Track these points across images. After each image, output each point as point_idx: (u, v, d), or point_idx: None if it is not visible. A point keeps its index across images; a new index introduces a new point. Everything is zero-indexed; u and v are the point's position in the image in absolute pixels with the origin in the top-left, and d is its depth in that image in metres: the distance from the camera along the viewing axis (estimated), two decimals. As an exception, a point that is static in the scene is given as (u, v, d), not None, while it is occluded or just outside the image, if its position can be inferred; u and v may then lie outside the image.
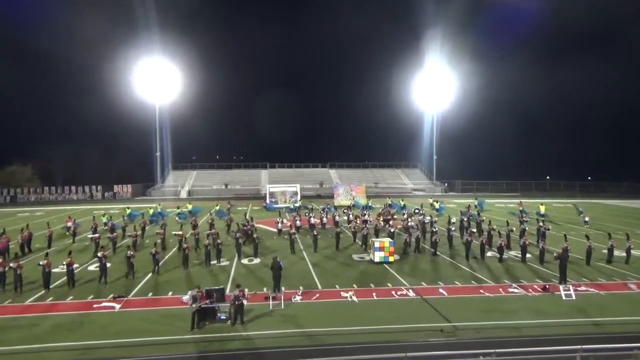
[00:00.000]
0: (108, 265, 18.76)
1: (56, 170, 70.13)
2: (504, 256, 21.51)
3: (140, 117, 65.66)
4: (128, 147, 72.31)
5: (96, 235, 24.21)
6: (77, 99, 72.52)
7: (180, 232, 24.12)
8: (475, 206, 38.17)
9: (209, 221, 28.96)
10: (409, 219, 28.96)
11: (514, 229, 26.77)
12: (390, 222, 27.71)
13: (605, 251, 21.69)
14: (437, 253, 22.67)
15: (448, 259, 21.99)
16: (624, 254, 21.38)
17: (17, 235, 24.48)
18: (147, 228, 28.72)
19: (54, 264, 18.14)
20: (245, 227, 26.06)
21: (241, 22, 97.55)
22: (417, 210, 35.46)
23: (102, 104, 69.07)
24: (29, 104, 73.50)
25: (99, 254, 18.32)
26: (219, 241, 22.00)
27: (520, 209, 35.78)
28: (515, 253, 22.69)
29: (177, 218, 31.96)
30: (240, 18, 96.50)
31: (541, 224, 26.80)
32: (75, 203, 54.88)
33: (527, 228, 27.13)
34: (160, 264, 19.87)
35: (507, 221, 28.33)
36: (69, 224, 28.11)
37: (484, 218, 30.08)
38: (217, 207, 34.87)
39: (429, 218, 29.98)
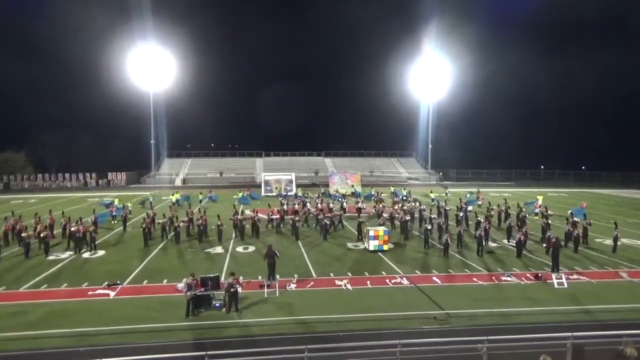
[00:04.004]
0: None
1: (50, 158, 69.54)
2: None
3: (134, 105, 65.07)
4: (122, 134, 71.90)
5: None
6: (71, 86, 71.92)
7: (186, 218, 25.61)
8: (445, 194, 38.30)
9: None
10: (422, 207, 29.03)
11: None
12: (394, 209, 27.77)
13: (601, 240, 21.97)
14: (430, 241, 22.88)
15: (442, 248, 22.02)
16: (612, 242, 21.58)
17: (30, 219, 24.85)
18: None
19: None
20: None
21: (237, 8, 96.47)
22: (405, 197, 35.56)
23: (96, 91, 68.50)
24: (22, 90, 72.56)
25: (44, 233, 20.48)
26: (218, 223, 23.17)
27: (479, 197, 35.75)
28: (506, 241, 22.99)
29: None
30: (236, 5, 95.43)
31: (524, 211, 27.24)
32: (69, 190, 54.51)
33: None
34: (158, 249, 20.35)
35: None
36: (114, 212, 28.45)
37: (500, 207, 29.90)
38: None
39: (418, 205, 30.09)
